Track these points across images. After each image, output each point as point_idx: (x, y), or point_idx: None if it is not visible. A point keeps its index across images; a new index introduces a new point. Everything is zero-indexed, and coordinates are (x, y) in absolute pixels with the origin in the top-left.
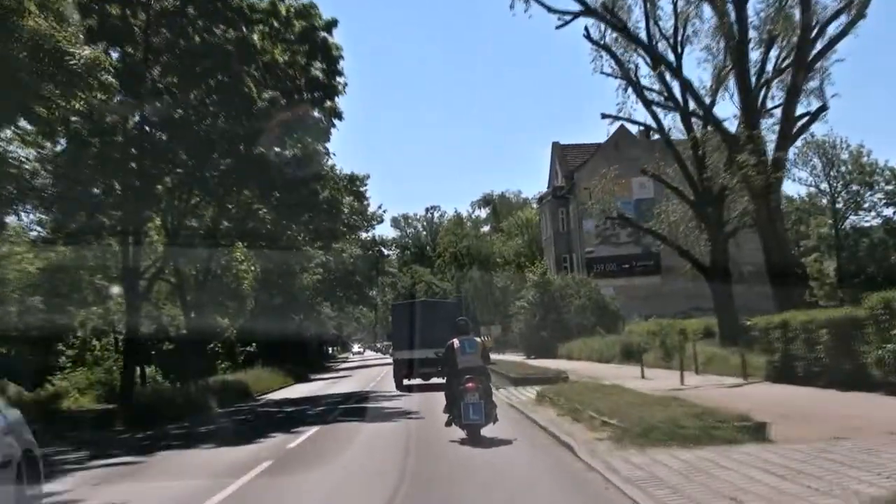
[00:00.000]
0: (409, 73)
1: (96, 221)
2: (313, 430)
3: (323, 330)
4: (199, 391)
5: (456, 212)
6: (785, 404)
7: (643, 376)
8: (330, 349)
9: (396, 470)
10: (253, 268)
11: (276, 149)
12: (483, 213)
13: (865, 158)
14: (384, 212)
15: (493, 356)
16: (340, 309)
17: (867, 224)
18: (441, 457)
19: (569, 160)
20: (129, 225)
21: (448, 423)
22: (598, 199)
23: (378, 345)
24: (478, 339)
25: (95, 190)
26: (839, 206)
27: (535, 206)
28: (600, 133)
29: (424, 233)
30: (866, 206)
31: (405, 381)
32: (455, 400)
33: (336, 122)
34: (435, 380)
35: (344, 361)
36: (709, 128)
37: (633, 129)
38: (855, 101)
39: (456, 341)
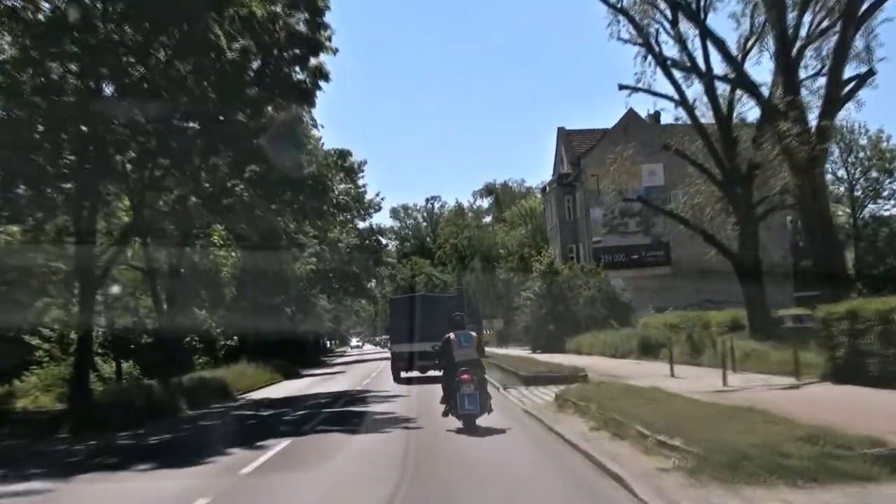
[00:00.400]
0: (407, 62)
1: (44, 197)
2: (283, 444)
3: (319, 323)
4: (169, 391)
5: (457, 202)
6: (889, 416)
7: (673, 374)
8: (328, 343)
9: None
10: (233, 254)
11: (250, 111)
12: (485, 203)
13: (885, 144)
14: (382, 199)
15: (497, 350)
16: (338, 301)
17: (887, 213)
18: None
19: (575, 146)
20: (83, 200)
21: (445, 414)
22: (613, 179)
23: (377, 339)
24: (473, 334)
25: (41, 159)
26: (857, 194)
27: (538, 195)
28: (607, 119)
29: (425, 224)
30: (885, 194)
31: (403, 374)
32: (451, 391)
33: (323, 84)
34: (431, 372)
35: (342, 356)
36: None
37: (643, 112)
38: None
39: (452, 335)
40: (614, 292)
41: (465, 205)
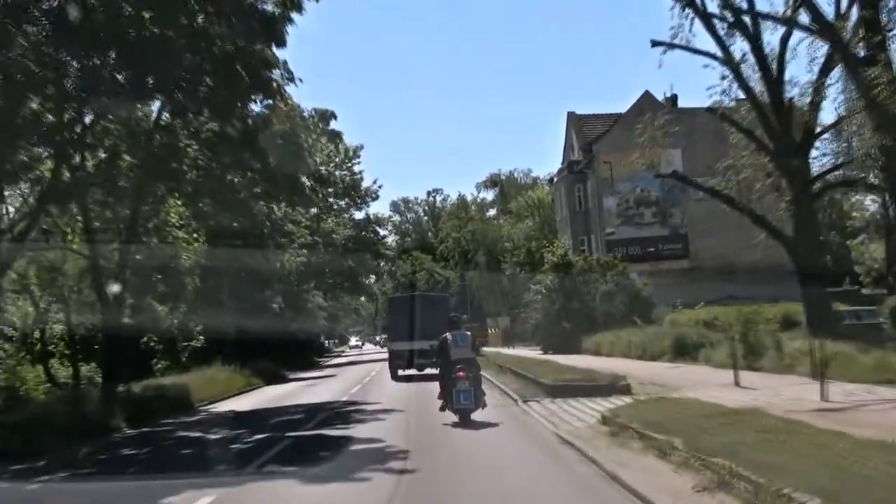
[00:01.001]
0: (406, 48)
1: None
2: (203, 502)
3: (312, 322)
4: (108, 403)
5: (460, 195)
6: None
7: (738, 383)
8: (327, 342)
9: None
10: (196, 236)
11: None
12: (489, 195)
13: None
14: (380, 187)
15: (503, 350)
16: (335, 299)
17: None
18: None
19: (586, 132)
20: None
21: (442, 409)
22: (641, 152)
23: (377, 338)
24: (468, 333)
25: None
26: None
27: (546, 185)
28: (619, 103)
29: (426, 218)
30: None
31: (400, 372)
32: (448, 387)
33: (295, 16)
34: (428, 370)
35: (339, 356)
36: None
37: (660, 95)
38: None
39: (449, 335)
40: (634, 286)
41: (469, 198)
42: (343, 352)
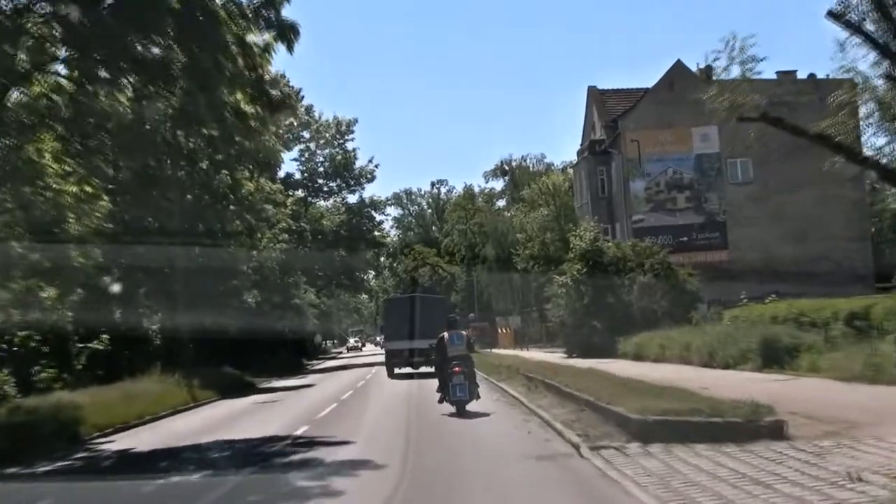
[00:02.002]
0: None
1: None
2: None
3: (300, 321)
4: None
5: (466, 186)
6: None
7: None
8: (325, 343)
9: None
10: (104, 202)
11: None
12: (498, 184)
13: None
14: (376, 167)
15: (519, 353)
16: (331, 295)
17: None
18: None
19: (609, 108)
20: None
21: (440, 401)
22: (725, 92)
23: (378, 338)
24: (464, 333)
25: None
26: None
27: (561, 171)
28: (643, 77)
29: (430, 211)
30: None
31: (396, 370)
32: (446, 382)
33: None
34: (424, 368)
35: (334, 358)
36: None
37: (692, 65)
38: None
39: (446, 334)
40: (677, 278)
41: (476, 189)
42: (340, 353)
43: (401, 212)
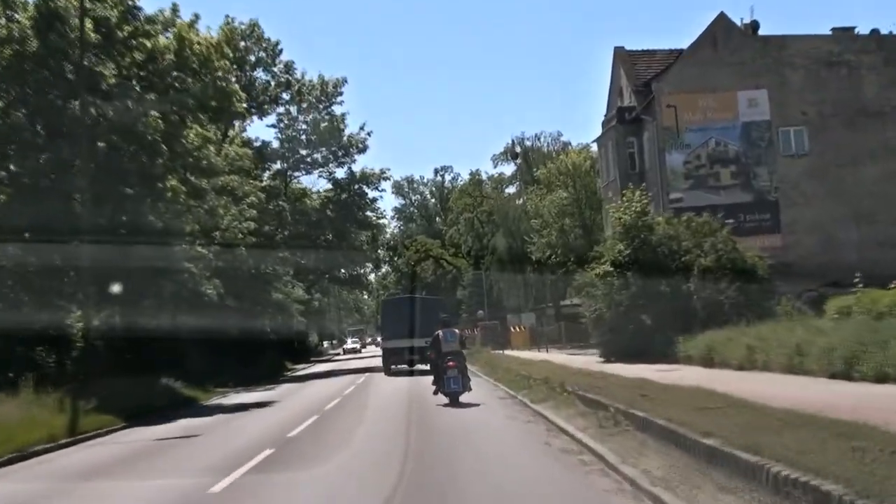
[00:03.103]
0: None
1: None
2: None
3: (282, 317)
4: None
5: (473, 172)
6: None
7: None
8: (324, 343)
9: None
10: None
11: None
12: (508, 168)
13: None
14: (368, 135)
15: (533, 354)
16: (323, 291)
17: None
18: None
19: (639, 73)
20: None
21: (435, 393)
22: None
23: (380, 338)
24: (457, 331)
25: None
26: None
27: (580, 151)
28: (674, 39)
29: (433, 200)
30: None
31: (393, 367)
32: (440, 375)
33: None
34: (419, 366)
35: (329, 360)
36: None
37: (737, 19)
38: None
39: (440, 332)
40: (745, 262)
41: (484, 176)
42: (337, 355)
43: (402, 202)
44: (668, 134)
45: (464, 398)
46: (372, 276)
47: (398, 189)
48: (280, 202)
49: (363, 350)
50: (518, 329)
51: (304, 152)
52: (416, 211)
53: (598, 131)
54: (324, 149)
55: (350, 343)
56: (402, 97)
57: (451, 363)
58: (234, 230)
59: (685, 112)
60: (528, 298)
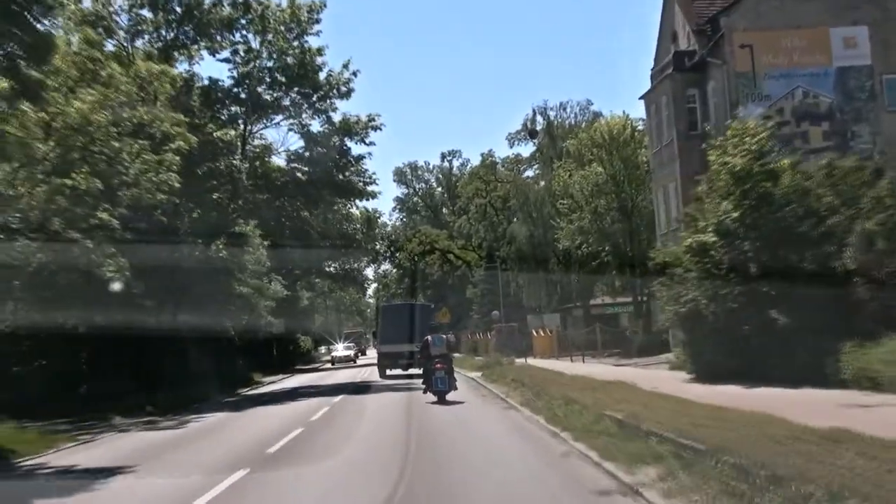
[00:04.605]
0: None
1: None
2: None
3: (253, 317)
4: None
5: (486, 153)
6: None
7: None
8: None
9: None
10: None
11: None
12: (526, 149)
13: None
14: (355, 74)
15: (567, 365)
16: (311, 288)
17: None
18: None
19: (699, 8)
20: None
21: (424, 392)
22: None
23: (375, 343)
24: (444, 336)
25: None
26: None
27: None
28: None
29: (440, 189)
30: None
31: (388, 371)
32: (429, 375)
33: None
34: (412, 370)
35: (316, 369)
36: None
37: None
38: None
39: (430, 337)
40: None
41: (498, 159)
42: (333, 359)
43: (404, 191)
44: (743, 82)
45: (448, 396)
46: (370, 273)
47: (400, 176)
48: (235, 160)
49: (359, 358)
50: (542, 333)
51: (266, 97)
52: (420, 201)
53: (629, 101)
54: (294, 89)
55: (342, 349)
56: (403, 73)
57: (438, 365)
58: (148, 185)
59: (764, 54)
60: (551, 297)
